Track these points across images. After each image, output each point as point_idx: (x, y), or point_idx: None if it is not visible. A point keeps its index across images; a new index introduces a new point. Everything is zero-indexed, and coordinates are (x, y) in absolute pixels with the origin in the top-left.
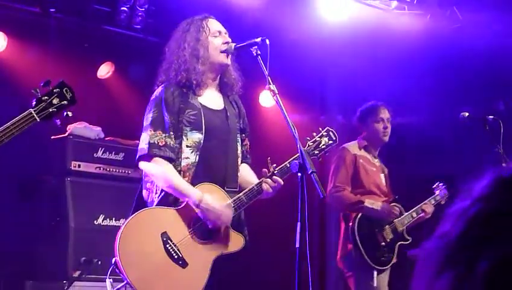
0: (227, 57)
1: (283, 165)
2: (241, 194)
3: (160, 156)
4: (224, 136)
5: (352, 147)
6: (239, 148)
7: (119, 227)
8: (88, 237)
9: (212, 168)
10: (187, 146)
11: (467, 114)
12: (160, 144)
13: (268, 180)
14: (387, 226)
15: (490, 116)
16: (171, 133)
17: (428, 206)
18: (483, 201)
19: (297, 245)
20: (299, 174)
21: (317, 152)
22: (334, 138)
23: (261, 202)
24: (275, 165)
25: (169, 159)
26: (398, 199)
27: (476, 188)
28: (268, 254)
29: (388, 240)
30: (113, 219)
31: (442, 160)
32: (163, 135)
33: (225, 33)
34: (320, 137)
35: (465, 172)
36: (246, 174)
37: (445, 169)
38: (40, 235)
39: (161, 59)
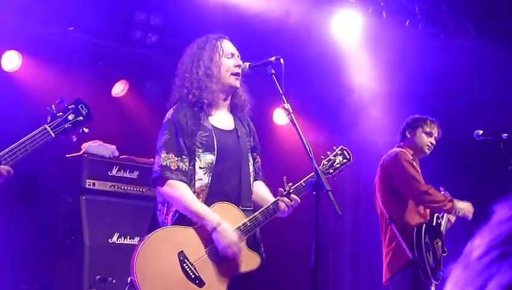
0: (237, 80)
1: (298, 183)
2: (256, 213)
3: (173, 180)
4: (236, 156)
5: (406, 152)
6: (251, 167)
7: (134, 245)
8: (103, 256)
9: (225, 189)
10: (200, 167)
11: (481, 132)
12: (172, 167)
13: (285, 198)
14: (438, 239)
15: (504, 134)
16: (184, 156)
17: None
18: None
19: (312, 263)
20: (314, 193)
21: (331, 171)
22: (348, 157)
23: (277, 220)
24: (290, 184)
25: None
26: None
27: (503, 211)
28: (283, 272)
29: (440, 253)
30: (128, 237)
31: (456, 178)
32: (176, 158)
33: (238, 56)
34: (334, 156)
35: (479, 190)
36: (262, 192)
37: (458, 187)
38: (55, 253)
39: (174, 75)
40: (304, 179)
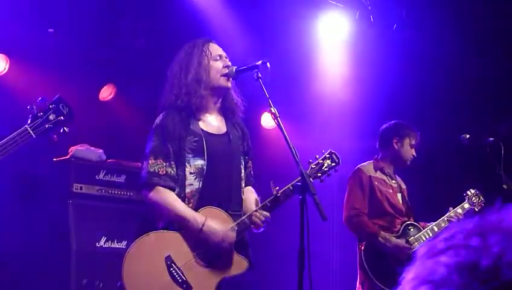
0: (228, 81)
1: (286, 187)
2: (244, 217)
3: (160, 185)
4: (226, 160)
5: (367, 168)
6: (243, 171)
7: (121, 249)
8: (90, 260)
9: (215, 193)
10: (190, 173)
11: (467, 136)
12: (160, 172)
13: (257, 213)
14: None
15: (491, 138)
16: (172, 162)
17: (454, 217)
18: None
19: (298, 267)
20: (300, 196)
21: (320, 174)
22: (336, 160)
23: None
24: (277, 187)
25: (170, 188)
26: (415, 219)
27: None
28: (271, 274)
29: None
30: (115, 241)
31: (443, 182)
32: (164, 163)
33: (225, 57)
34: (323, 159)
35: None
36: (248, 199)
37: (446, 191)
38: (42, 257)
39: (163, 82)
40: (292, 183)
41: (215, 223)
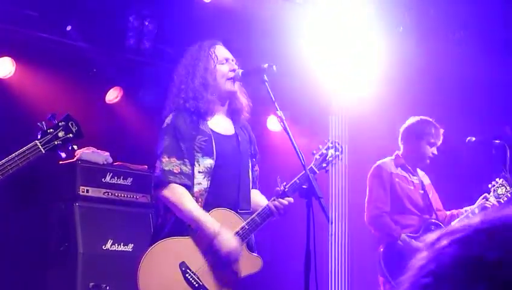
0: (234, 84)
1: (293, 181)
2: (254, 215)
3: (176, 183)
4: (235, 160)
5: (388, 164)
6: (250, 173)
7: (127, 252)
8: (97, 262)
9: (224, 193)
10: (199, 172)
11: (473, 139)
12: (175, 171)
13: (276, 202)
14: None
15: (496, 141)
16: (186, 160)
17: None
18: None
19: (304, 270)
20: (307, 199)
21: (324, 165)
22: (340, 149)
23: (271, 226)
24: (285, 183)
25: (186, 186)
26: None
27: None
28: (277, 277)
29: None
30: (122, 244)
31: (448, 184)
32: (178, 162)
33: (232, 60)
34: (326, 149)
35: (471, 196)
36: (257, 198)
37: (451, 193)
38: (49, 260)
39: (170, 85)
40: (298, 177)
41: (230, 236)
